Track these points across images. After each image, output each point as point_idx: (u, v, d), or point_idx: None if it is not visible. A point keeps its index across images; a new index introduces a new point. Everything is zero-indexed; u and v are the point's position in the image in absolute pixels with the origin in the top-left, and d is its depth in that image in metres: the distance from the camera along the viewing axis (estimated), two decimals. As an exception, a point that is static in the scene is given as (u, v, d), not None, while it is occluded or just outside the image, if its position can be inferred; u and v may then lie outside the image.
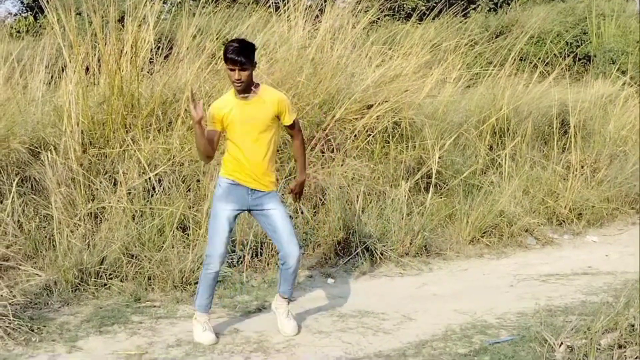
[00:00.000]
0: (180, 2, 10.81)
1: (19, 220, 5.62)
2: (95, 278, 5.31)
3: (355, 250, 6.34)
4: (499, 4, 15.29)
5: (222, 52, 4.41)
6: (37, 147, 6.20)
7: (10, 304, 4.58)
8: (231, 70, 4.23)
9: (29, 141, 6.22)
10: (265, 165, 4.42)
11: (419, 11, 10.80)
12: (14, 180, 5.59)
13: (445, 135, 7.86)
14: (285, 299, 4.73)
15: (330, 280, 5.97)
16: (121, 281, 5.38)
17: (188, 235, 5.94)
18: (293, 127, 4.58)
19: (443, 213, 7.15)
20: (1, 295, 4.61)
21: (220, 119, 4.35)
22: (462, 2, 11.58)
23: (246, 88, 4.30)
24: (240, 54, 4.21)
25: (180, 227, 5.99)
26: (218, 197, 4.44)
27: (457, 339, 4.66)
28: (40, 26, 10.87)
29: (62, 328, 4.64)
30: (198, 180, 6.38)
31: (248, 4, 10.35)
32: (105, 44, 6.76)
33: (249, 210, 4.54)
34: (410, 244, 6.54)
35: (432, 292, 5.77)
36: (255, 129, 4.35)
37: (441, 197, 7.39)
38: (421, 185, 7.39)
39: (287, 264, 4.51)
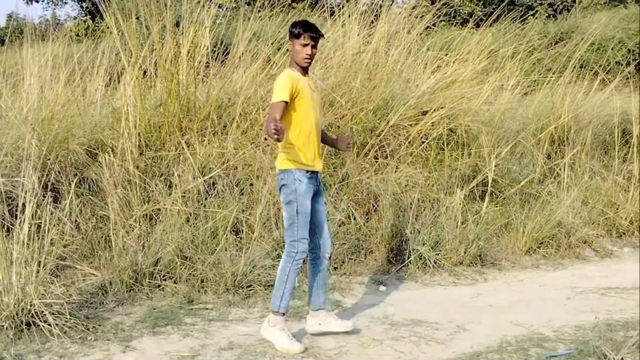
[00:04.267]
0: (235, 7, 10.90)
1: (76, 221, 5.72)
2: (149, 279, 5.37)
3: (408, 258, 6.26)
4: (558, 10, 15.01)
5: (285, 36, 4.51)
6: (95, 149, 6.30)
7: (67, 302, 4.67)
8: (304, 45, 4.32)
9: (87, 143, 6.34)
10: None
11: (475, 17, 10.66)
12: (72, 181, 5.68)
13: (501, 143, 7.73)
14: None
15: (382, 288, 5.90)
16: (175, 283, 5.43)
17: (241, 238, 5.96)
18: None
19: (499, 222, 7.02)
20: (58, 294, 4.69)
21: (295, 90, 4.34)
22: (520, 8, 11.37)
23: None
24: (317, 31, 4.36)
25: (233, 231, 6.02)
26: (303, 194, 4.38)
27: (512, 352, 4.55)
28: (98, 29, 11.09)
29: (117, 328, 4.69)
30: (251, 184, 6.40)
31: (303, 9, 10.37)
32: (162, 47, 6.84)
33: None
34: (465, 253, 6.43)
35: (486, 302, 5.66)
36: (318, 106, 4.54)
37: (497, 206, 7.26)
38: (476, 194, 7.28)
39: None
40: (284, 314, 4.48)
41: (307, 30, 4.33)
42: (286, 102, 4.24)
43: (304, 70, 4.44)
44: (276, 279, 4.50)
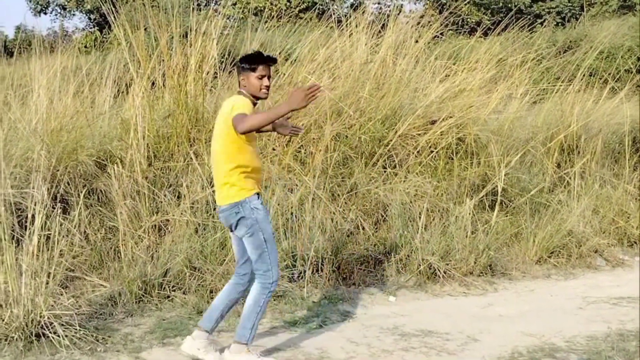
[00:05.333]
0: (243, 18, 10.94)
1: (85, 232, 5.71)
2: (158, 290, 5.35)
3: (418, 268, 6.22)
4: (566, 19, 15.00)
5: (246, 61, 4.23)
6: (104, 160, 6.31)
7: (76, 313, 4.66)
8: (262, 77, 4.17)
9: (96, 154, 6.33)
10: None
11: (483, 26, 10.66)
12: (82, 192, 5.68)
13: (511, 152, 7.70)
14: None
15: (392, 298, 5.87)
16: (184, 293, 5.41)
17: (249, 249, 5.93)
18: None
19: (509, 232, 6.98)
20: (68, 305, 4.68)
21: None
22: (528, 17, 11.36)
23: None
24: (271, 59, 4.25)
25: (242, 241, 5.99)
26: (263, 219, 4.20)
27: (524, 362, 4.52)
28: (107, 41, 11.14)
29: (126, 339, 4.68)
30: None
31: (310, 19, 10.38)
32: (171, 59, 6.86)
33: None
34: (475, 263, 6.39)
35: (497, 312, 5.62)
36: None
37: (507, 216, 7.23)
38: (486, 203, 7.24)
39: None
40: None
41: (261, 62, 4.18)
42: None
43: (256, 101, 4.26)
44: (245, 309, 4.29)
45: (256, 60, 4.20)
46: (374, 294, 5.93)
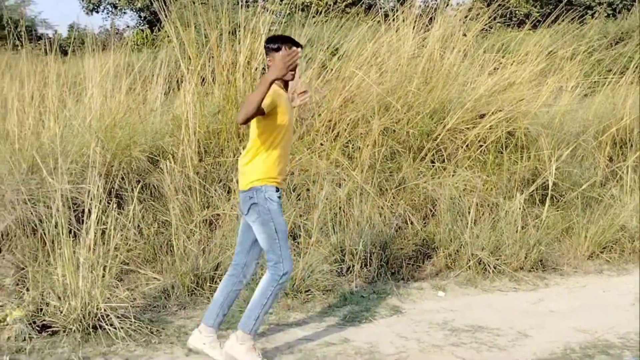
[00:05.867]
0: (290, 14, 10.98)
1: (139, 226, 5.83)
2: (210, 283, 5.44)
3: (467, 263, 6.19)
4: (617, 10, 14.64)
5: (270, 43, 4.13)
6: (156, 156, 6.42)
7: (131, 306, 4.78)
8: None
9: (148, 149, 6.45)
10: None
11: (532, 18, 10.50)
12: (135, 187, 5.80)
13: (562, 145, 7.59)
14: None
15: (441, 293, 5.85)
16: (234, 287, 5.47)
17: (298, 243, 5.99)
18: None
19: (560, 227, 6.88)
20: (123, 298, 4.81)
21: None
22: (579, 8, 11.14)
23: None
24: (297, 42, 4.17)
25: (291, 235, 6.04)
26: (276, 211, 4.12)
27: (577, 358, 4.47)
28: (157, 38, 11.30)
29: (180, 331, 4.77)
30: (308, 190, 6.43)
31: (357, 14, 10.37)
32: (220, 55, 6.94)
33: None
34: (525, 258, 6.33)
35: (548, 308, 5.56)
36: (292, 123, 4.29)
37: (558, 210, 7.12)
38: (536, 198, 7.15)
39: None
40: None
41: (287, 42, 4.11)
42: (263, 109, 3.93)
43: (285, 86, 4.18)
44: (252, 299, 4.26)
45: (281, 40, 4.16)
46: (423, 289, 5.92)
